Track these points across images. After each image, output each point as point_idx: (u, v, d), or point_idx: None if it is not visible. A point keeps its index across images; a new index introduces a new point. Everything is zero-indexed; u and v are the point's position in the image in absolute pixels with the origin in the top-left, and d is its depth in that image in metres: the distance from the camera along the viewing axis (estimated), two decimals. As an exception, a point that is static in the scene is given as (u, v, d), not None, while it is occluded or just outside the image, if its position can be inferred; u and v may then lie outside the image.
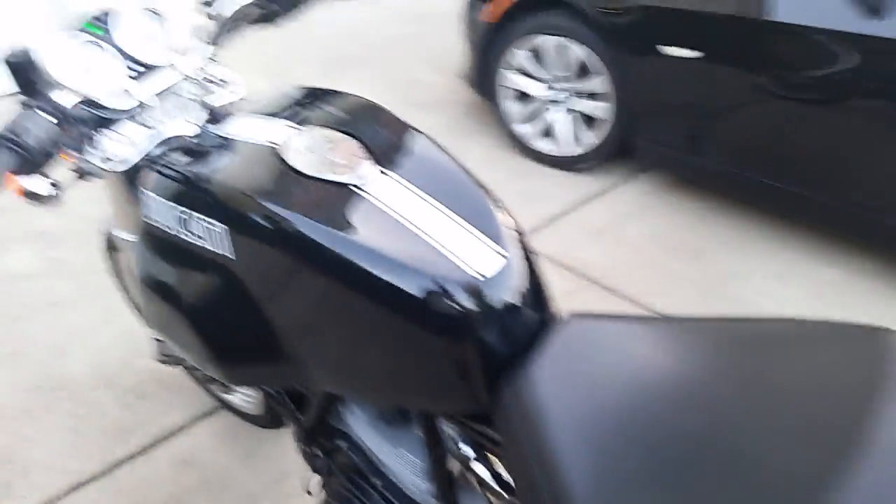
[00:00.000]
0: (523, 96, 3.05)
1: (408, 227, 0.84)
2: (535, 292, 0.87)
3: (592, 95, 2.84)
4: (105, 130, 0.97)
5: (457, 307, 0.80)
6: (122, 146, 0.98)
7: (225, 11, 1.10)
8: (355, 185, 0.88)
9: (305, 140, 0.95)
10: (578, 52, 2.77)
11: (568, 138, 2.95)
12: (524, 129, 3.08)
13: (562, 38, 2.80)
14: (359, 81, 3.81)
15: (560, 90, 2.93)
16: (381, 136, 0.96)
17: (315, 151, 0.93)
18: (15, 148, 0.86)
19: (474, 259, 0.82)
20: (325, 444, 1.21)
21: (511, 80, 3.02)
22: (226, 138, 1.01)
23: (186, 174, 0.97)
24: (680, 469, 0.66)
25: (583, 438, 0.72)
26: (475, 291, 0.81)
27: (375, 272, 0.82)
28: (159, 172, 1.00)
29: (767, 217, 2.68)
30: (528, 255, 0.89)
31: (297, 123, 0.98)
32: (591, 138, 2.89)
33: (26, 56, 0.90)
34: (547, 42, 2.85)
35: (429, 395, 0.88)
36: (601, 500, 0.66)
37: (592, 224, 2.71)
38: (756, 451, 0.65)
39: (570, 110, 2.94)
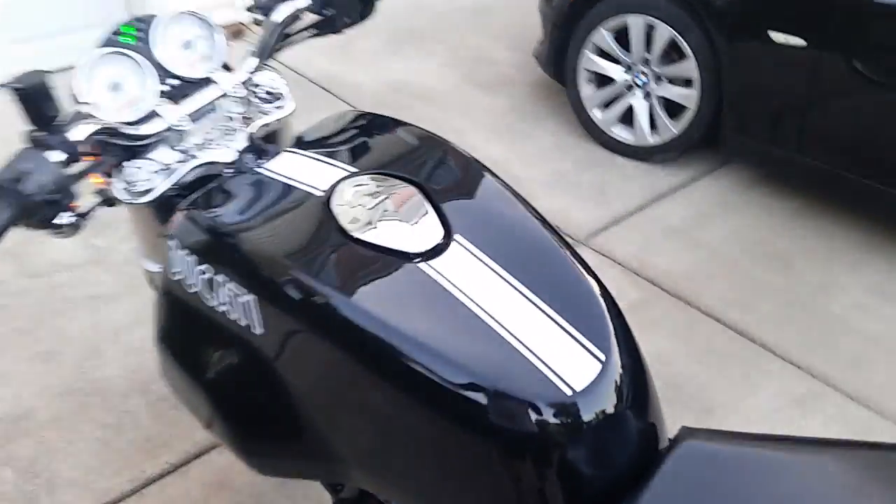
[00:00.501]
0: (601, 79, 2.80)
1: (478, 315, 0.66)
2: (641, 404, 0.68)
3: (677, 81, 2.58)
4: (132, 158, 0.83)
5: (536, 426, 0.62)
6: (147, 176, 0.83)
7: (275, 17, 0.93)
8: (415, 255, 0.69)
9: (357, 189, 0.77)
10: (666, 33, 2.52)
11: (646, 126, 2.70)
12: (600, 115, 2.83)
13: (649, 18, 2.54)
14: (422, 57, 3.60)
15: (642, 74, 2.67)
16: (451, 186, 0.77)
17: (368, 206, 0.75)
18: (14, 198, 0.71)
19: (562, 364, 0.63)
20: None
21: (590, 61, 2.77)
22: (265, 177, 0.84)
23: (213, 224, 0.80)
24: None
25: None
26: (561, 407, 0.62)
27: (431, 370, 0.63)
28: (186, 217, 0.84)
29: (867, 223, 2.39)
30: (632, 353, 0.69)
31: (351, 164, 0.81)
32: (672, 127, 2.63)
33: (39, 80, 0.74)
34: (632, 22, 2.59)
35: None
36: None
37: (668, 223, 2.47)
38: None
39: (651, 96, 2.68)
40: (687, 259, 2.30)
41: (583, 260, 0.74)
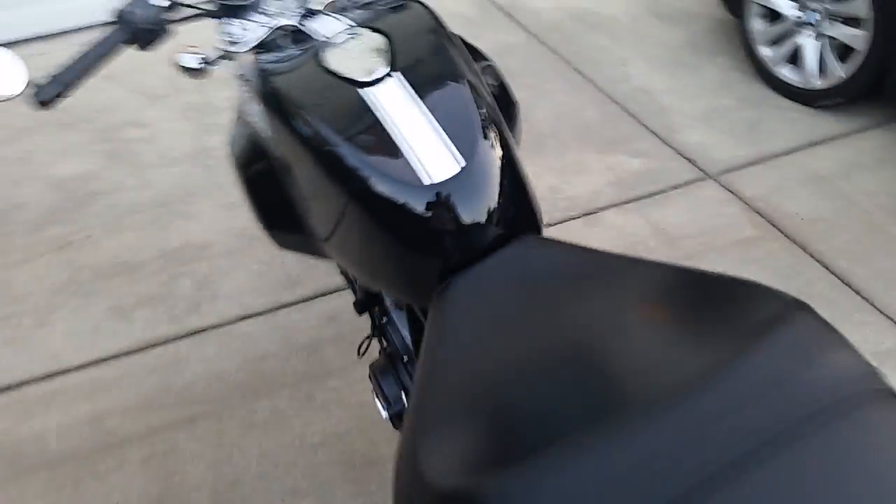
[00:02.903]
0: (773, 15, 2.72)
1: (388, 128, 0.89)
2: (492, 206, 0.88)
3: (849, 21, 2.46)
4: (232, 17, 1.13)
5: (403, 208, 0.85)
6: (239, 32, 1.14)
7: None
8: (359, 84, 0.94)
9: (349, 37, 1.02)
10: (840, -33, 2.40)
11: (813, 68, 2.60)
12: (768, 52, 2.77)
13: (826, -49, 2.44)
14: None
15: (813, 11, 2.57)
16: (411, 40, 1.00)
17: (350, 51, 1.00)
18: (124, 24, 1.05)
19: (431, 163, 0.86)
20: (375, 317, 1.33)
21: (762, -6, 2.71)
22: (303, 34, 1.11)
23: (259, 67, 1.10)
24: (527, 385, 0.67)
25: (464, 359, 0.75)
26: (419, 192, 0.85)
27: (350, 168, 0.89)
28: (245, 59, 1.15)
29: None
30: (505, 170, 0.89)
31: (355, 21, 1.06)
32: (840, 70, 2.52)
33: None
34: (809, -45, 2.50)
35: (389, 283, 0.95)
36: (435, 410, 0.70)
37: (814, 170, 2.41)
38: (608, 363, 0.65)
39: (821, 35, 2.57)
40: (820, 206, 2.26)
41: (480, 95, 0.94)
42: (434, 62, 0.98)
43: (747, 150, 2.51)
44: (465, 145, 0.87)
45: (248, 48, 1.12)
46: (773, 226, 2.20)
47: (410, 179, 0.86)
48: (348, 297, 2.06)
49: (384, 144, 0.89)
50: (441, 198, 0.86)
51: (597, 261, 0.81)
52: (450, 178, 0.86)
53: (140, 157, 2.74)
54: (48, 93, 0.99)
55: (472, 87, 0.95)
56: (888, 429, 0.54)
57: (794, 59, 2.68)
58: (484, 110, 0.92)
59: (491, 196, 0.89)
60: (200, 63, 1.11)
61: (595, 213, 2.30)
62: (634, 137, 2.62)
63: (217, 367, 1.90)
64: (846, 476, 0.51)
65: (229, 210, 2.45)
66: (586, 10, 3.49)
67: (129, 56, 3.36)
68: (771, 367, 0.58)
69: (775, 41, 2.73)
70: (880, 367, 1.72)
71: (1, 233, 2.42)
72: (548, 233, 2.20)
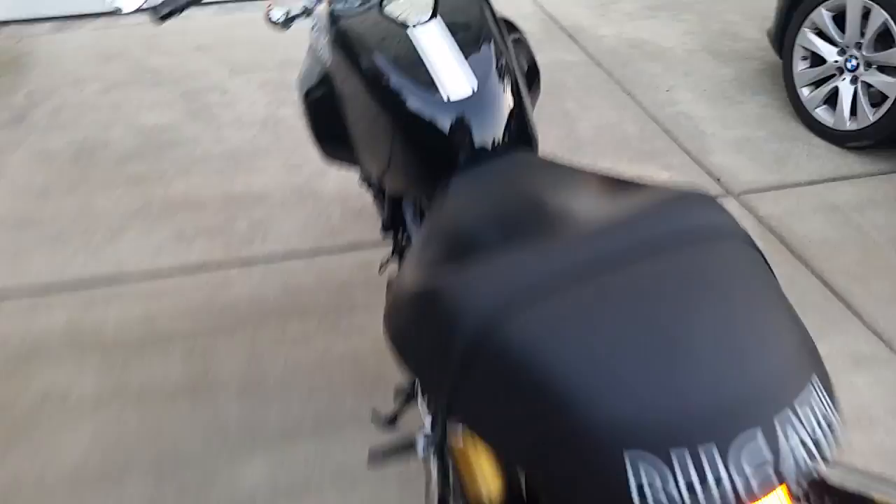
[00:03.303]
0: (815, 60, 2.89)
1: (423, 58, 1.12)
2: (496, 125, 1.10)
3: (885, 69, 2.61)
4: None
5: (425, 119, 1.08)
6: None
7: None
8: (407, 26, 1.18)
9: None
10: (880, 18, 2.56)
11: (847, 110, 2.76)
12: (807, 94, 2.93)
13: (866, 1, 2.60)
14: (672, 23, 3.87)
15: (853, 58, 2.73)
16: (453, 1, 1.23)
17: (405, 3, 1.24)
18: None
19: (451, 85, 1.08)
20: (397, 237, 1.55)
21: (808, 39, 2.88)
22: None
23: (334, 12, 1.34)
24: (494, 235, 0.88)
25: (450, 218, 0.95)
26: (440, 109, 1.08)
27: (389, 88, 1.12)
28: (320, 8, 1.40)
29: None
30: (511, 102, 1.11)
31: None
32: (870, 115, 2.67)
33: None
34: (850, 3, 2.67)
35: (406, 181, 1.17)
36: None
37: (830, 201, 2.55)
38: (553, 217, 0.84)
39: (857, 81, 2.73)
40: (829, 232, 2.40)
41: (499, 45, 1.15)
42: (467, 15, 1.21)
43: (771, 177, 2.67)
44: (480, 76, 1.09)
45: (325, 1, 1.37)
46: (781, 242, 2.35)
47: (434, 96, 1.08)
48: (379, 253, 2.29)
49: (418, 70, 1.12)
50: (455, 112, 1.08)
51: (571, 172, 1.01)
52: (464, 99, 1.08)
53: (217, 117, 3.04)
54: (164, 9, 1.25)
55: (494, 38, 1.17)
56: (734, 259, 0.72)
57: (830, 101, 2.84)
58: (502, 57, 1.15)
59: (496, 118, 1.11)
60: (285, 16, 1.36)
61: (618, 211, 2.49)
62: (667, 153, 2.80)
63: (258, 293, 2.14)
64: (698, 277, 0.70)
65: (289, 170, 2.72)
66: (646, 40, 3.70)
67: (220, 33, 3.72)
68: (660, 217, 0.77)
69: (815, 83, 2.90)
70: (856, 370, 1.87)
71: (89, 164, 2.73)
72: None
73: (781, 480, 0.57)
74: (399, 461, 1.57)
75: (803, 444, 0.58)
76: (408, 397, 1.34)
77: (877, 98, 2.66)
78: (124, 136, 2.90)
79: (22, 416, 1.76)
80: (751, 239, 0.78)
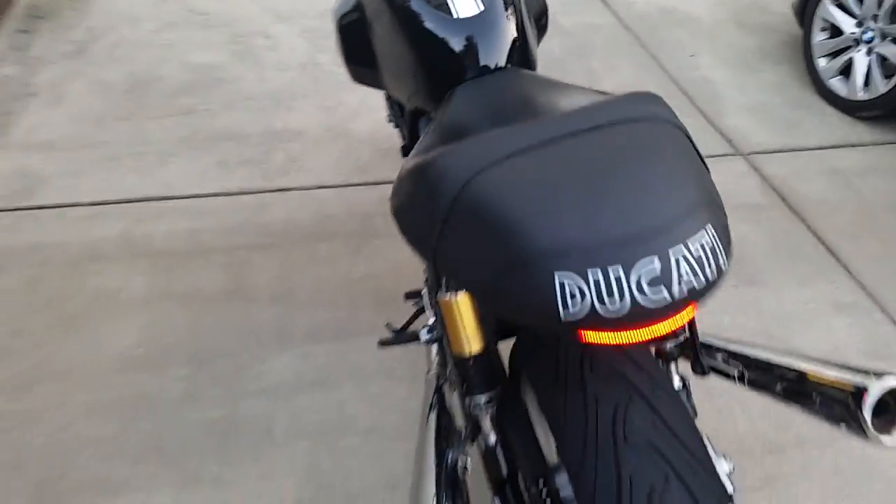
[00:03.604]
0: (834, 31, 2.99)
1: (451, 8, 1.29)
2: (498, 43, 1.27)
3: (897, 40, 2.72)
4: None
5: (438, 35, 1.26)
6: None
7: None
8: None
9: None
10: (896, -10, 2.66)
11: (860, 81, 2.86)
12: (824, 64, 3.04)
13: (885, -27, 2.70)
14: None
15: (871, 30, 2.83)
16: None
17: None
18: None
19: (461, 5, 1.26)
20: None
21: (827, 11, 2.98)
22: None
23: None
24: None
25: (450, 116, 1.14)
26: (450, 26, 1.25)
27: (410, 10, 1.30)
28: None
29: None
30: (514, 26, 1.28)
31: None
32: (881, 85, 2.77)
33: None
34: (870, -25, 2.77)
35: (419, 94, 1.35)
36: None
37: (835, 165, 2.68)
38: (532, 109, 1.02)
39: (872, 52, 2.83)
40: (829, 193, 2.54)
41: None
42: None
43: (780, 140, 2.80)
44: (486, 1, 1.27)
45: None
46: (782, 199, 2.49)
47: (445, 14, 1.26)
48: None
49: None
50: (463, 29, 1.26)
51: (559, 85, 1.18)
52: (471, 17, 1.25)
53: (261, 60, 3.24)
54: None
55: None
56: (661, 134, 0.89)
57: (845, 73, 2.94)
58: None
59: (499, 39, 1.28)
60: None
61: (630, 164, 2.64)
62: (683, 112, 2.94)
63: (292, 216, 2.35)
64: (627, 144, 0.86)
65: (325, 111, 2.91)
66: (675, 7, 3.80)
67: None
68: (609, 106, 0.94)
69: (831, 54, 3.00)
70: (836, 314, 2.02)
71: (143, 95, 2.95)
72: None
73: (672, 298, 0.76)
74: (404, 345, 1.78)
75: (692, 271, 0.76)
76: (416, 304, 1.53)
77: (890, 70, 2.76)
78: (175, 72, 3.11)
79: (78, 310, 2.00)
80: (684, 127, 0.95)
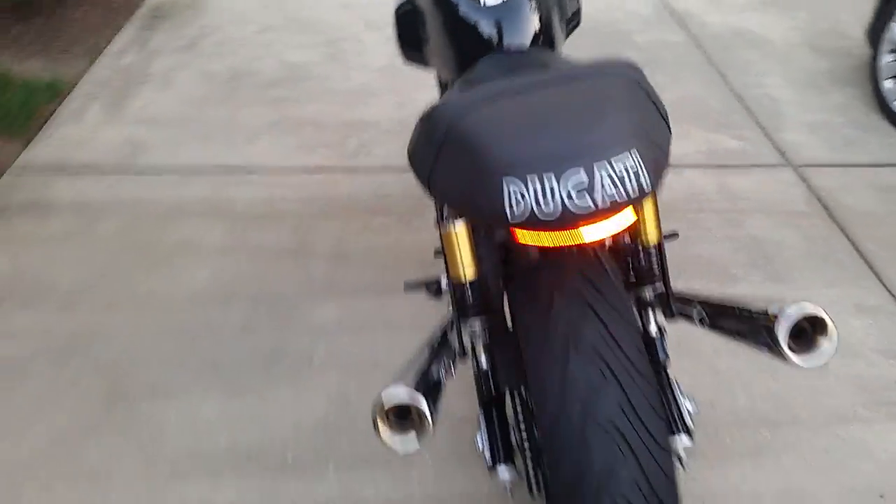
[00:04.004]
0: (902, 53, 3.02)
1: None
2: (522, 27, 1.47)
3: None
4: None
5: (470, 19, 1.47)
6: None
7: None
8: None
9: None
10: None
11: (922, 103, 2.88)
12: (889, 86, 3.06)
13: (952, -2, 2.73)
14: (781, 18, 4.01)
15: (937, 53, 2.86)
16: None
17: None
18: None
19: None
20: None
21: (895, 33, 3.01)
22: None
23: None
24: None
25: (468, 80, 1.35)
26: (479, 12, 1.46)
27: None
28: None
29: None
30: (538, 14, 1.48)
31: None
32: (942, 108, 2.79)
33: None
34: (938, -1, 2.80)
35: (451, 67, 1.57)
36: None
37: (885, 181, 2.71)
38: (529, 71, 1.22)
39: (934, 75, 2.85)
40: (875, 207, 2.57)
41: None
42: None
43: (834, 156, 2.85)
44: None
45: None
46: (825, 208, 2.55)
47: (475, 3, 1.47)
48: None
49: None
50: (489, 16, 1.46)
51: (570, 59, 1.37)
52: (496, 5, 1.46)
53: (348, 61, 3.55)
54: None
55: None
56: (622, 85, 1.06)
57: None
58: None
59: (521, 23, 1.48)
60: None
61: (678, 167, 2.77)
62: (742, 127, 3.03)
63: (356, 193, 2.61)
64: (585, 89, 1.04)
65: (397, 106, 3.17)
66: (750, 30, 3.88)
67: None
68: (588, 67, 1.12)
69: (898, 76, 3.03)
70: (857, 315, 2.09)
71: (240, 85, 3.30)
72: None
73: (595, 205, 0.93)
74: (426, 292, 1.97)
75: (613, 185, 0.94)
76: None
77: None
78: (271, 68, 3.46)
79: (163, 254, 2.31)
80: (648, 87, 1.12)
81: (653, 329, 1.36)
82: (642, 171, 0.97)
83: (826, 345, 0.98)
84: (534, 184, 0.95)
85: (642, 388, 1.07)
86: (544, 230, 1.01)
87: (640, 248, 1.27)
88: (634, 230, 1.26)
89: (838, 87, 3.34)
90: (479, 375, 1.35)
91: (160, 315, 2.07)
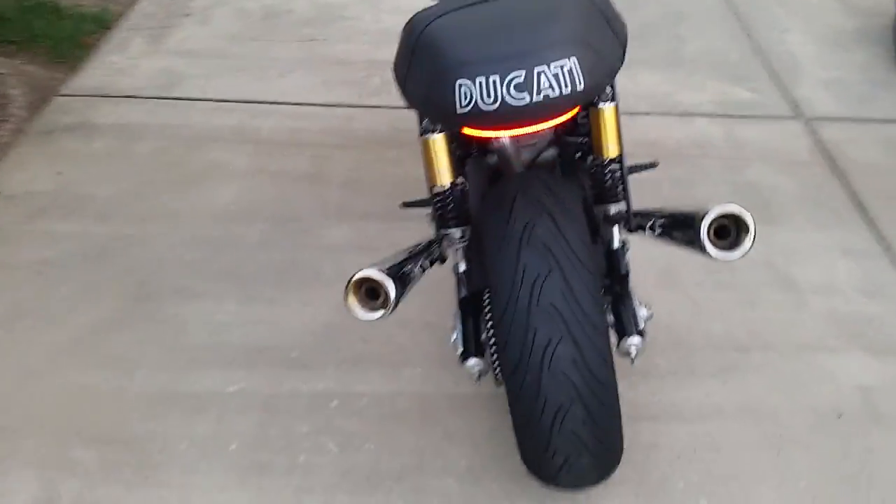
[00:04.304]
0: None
1: None
2: None
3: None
4: None
5: None
6: None
7: None
8: None
9: None
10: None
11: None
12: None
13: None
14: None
15: (958, 11, 2.85)
16: None
17: None
18: None
19: None
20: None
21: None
22: None
23: None
24: None
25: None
26: None
27: None
28: None
29: None
30: None
31: None
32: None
33: None
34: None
35: None
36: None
37: (893, 137, 2.75)
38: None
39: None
40: (879, 160, 2.62)
41: None
42: None
43: (847, 111, 2.89)
44: None
45: None
46: (829, 159, 2.61)
47: None
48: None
49: None
50: None
51: None
52: None
53: (380, 4, 3.66)
54: None
55: None
56: (574, 1, 1.19)
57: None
58: None
59: None
60: None
61: (689, 115, 2.84)
62: (757, 79, 3.08)
63: (374, 127, 2.75)
64: (536, 5, 1.17)
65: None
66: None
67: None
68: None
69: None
70: (843, 257, 2.17)
71: (274, 24, 3.45)
72: (643, 123, 2.80)
73: (530, 100, 1.07)
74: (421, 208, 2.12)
75: (549, 85, 1.07)
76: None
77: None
78: (304, 8, 3.59)
79: (193, 173, 2.49)
80: (608, 7, 1.23)
81: (616, 243, 1.49)
82: (578, 75, 1.11)
83: (746, 242, 1.11)
84: (480, 81, 1.09)
85: (583, 278, 1.21)
86: (486, 126, 1.16)
87: (602, 162, 1.39)
88: (598, 146, 1.38)
89: (863, 46, 3.35)
90: (457, 277, 1.51)
91: (187, 228, 2.26)
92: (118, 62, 3.11)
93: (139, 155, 2.57)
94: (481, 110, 1.10)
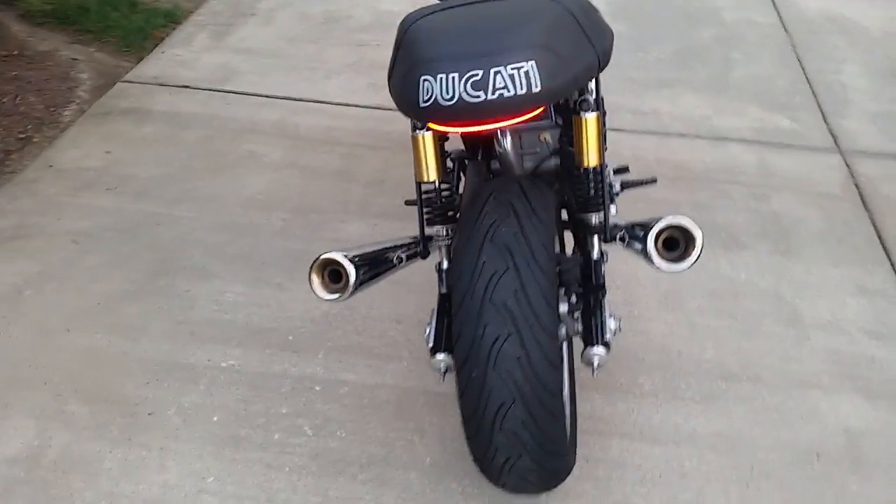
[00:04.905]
0: None
1: None
2: None
3: None
4: None
5: None
6: None
7: None
8: None
9: None
10: None
11: None
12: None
13: None
14: (888, 7, 3.87)
15: None
16: None
17: None
18: None
19: None
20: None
21: None
22: None
23: None
24: None
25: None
26: None
27: None
28: None
29: None
30: None
31: None
32: None
33: None
34: None
35: None
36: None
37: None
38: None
39: None
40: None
41: None
42: None
43: (889, 146, 2.80)
44: None
45: None
46: (860, 195, 2.54)
47: None
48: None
49: None
50: None
51: None
52: None
53: (435, 12, 3.75)
54: None
55: None
56: (538, 7, 1.22)
57: None
58: None
59: None
60: None
61: (723, 140, 2.82)
62: (801, 109, 3.02)
63: (408, 131, 2.83)
64: (517, 7, 1.22)
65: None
66: (845, 16, 3.78)
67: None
68: None
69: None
70: (856, 294, 2.13)
71: (332, 28, 3.59)
72: (674, 144, 2.80)
73: (485, 97, 1.13)
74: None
75: (504, 86, 1.13)
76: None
77: None
78: (362, 14, 3.72)
79: (230, 162, 2.64)
80: (573, 10, 1.27)
81: (595, 253, 1.51)
82: (535, 77, 1.16)
83: (693, 255, 1.14)
84: (441, 79, 1.15)
85: (539, 281, 1.25)
86: (445, 121, 1.22)
87: (581, 171, 1.42)
88: (578, 155, 1.41)
89: (920, 79, 3.24)
90: (439, 274, 1.56)
91: (214, 212, 2.40)
92: (181, 55, 3.30)
93: (185, 142, 2.73)
94: (440, 105, 1.16)
